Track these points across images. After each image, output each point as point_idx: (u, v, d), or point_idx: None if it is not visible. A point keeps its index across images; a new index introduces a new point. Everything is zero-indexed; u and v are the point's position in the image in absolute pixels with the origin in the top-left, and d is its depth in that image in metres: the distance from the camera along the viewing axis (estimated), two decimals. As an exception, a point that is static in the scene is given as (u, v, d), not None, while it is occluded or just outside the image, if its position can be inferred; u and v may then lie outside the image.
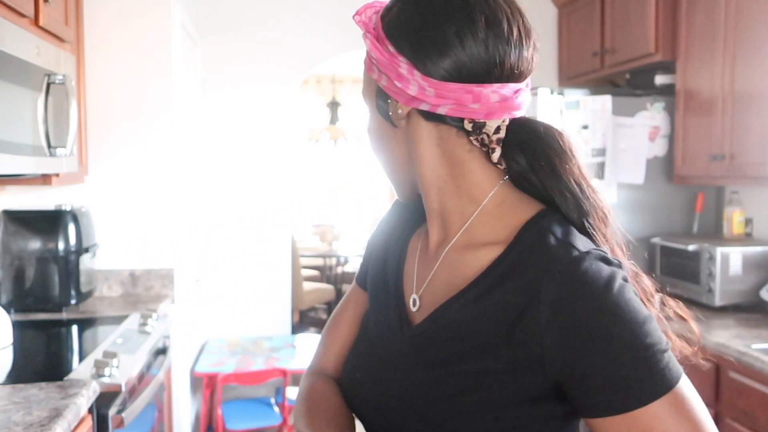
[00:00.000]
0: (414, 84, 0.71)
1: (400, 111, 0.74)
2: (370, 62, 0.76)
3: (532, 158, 0.74)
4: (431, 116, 0.73)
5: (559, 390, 0.67)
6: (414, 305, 0.77)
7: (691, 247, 2.57)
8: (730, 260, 2.44)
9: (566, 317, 0.63)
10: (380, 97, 0.76)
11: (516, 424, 0.68)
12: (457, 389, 0.69)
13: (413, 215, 0.87)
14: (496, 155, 0.74)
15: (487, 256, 0.71)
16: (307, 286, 5.11)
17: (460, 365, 0.69)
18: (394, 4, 0.75)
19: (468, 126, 0.72)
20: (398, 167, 0.79)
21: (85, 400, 1.49)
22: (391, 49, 0.73)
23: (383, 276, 0.84)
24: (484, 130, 0.72)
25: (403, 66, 0.72)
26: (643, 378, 0.62)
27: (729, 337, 2.09)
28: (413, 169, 0.77)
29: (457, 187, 0.75)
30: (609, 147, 2.84)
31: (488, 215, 0.74)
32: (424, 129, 0.74)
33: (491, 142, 0.73)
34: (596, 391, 0.63)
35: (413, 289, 0.79)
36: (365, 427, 0.78)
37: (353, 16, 0.78)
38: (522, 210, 0.73)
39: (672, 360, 0.65)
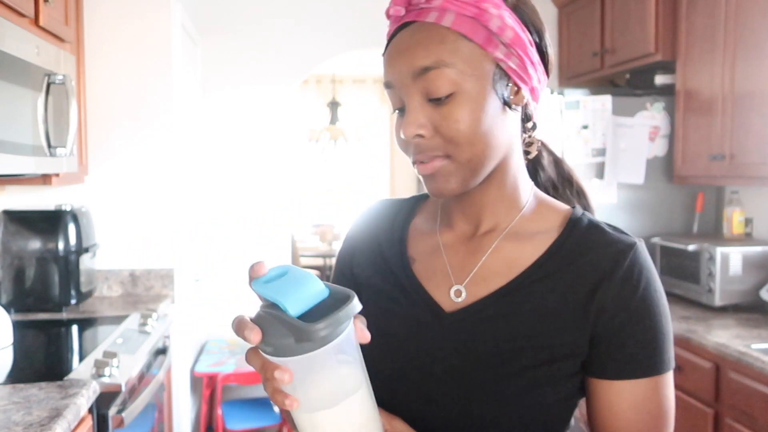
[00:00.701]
0: (537, 75, 0.75)
1: (525, 97, 0.75)
2: (489, 37, 0.71)
3: (557, 164, 0.88)
4: (522, 107, 0.77)
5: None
6: (458, 296, 0.77)
7: (691, 247, 2.57)
8: (730, 260, 2.44)
9: (631, 290, 0.72)
10: (499, 76, 0.73)
11: (566, 395, 0.75)
12: (527, 363, 0.72)
13: (396, 218, 0.87)
14: (533, 154, 0.84)
15: (542, 242, 0.77)
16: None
17: (532, 340, 0.73)
18: None
19: (530, 124, 0.79)
20: (493, 153, 0.74)
21: (85, 400, 1.49)
22: (531, 36, 0.74)
23: (392, 280, 0.83)
24: (535, 131, 0.81)
25: (535, 56, 0.75)
26: (662, 351, 0.74)
27: (729, 337, 2.09)
28: (498, 156, 0.75)
29: (522, 178, 0.80)
30: (609, 147, 2.84)
31: (533, 207, 0.80)
32: (516, 118, 0.77)
33: (532, 143, 0.83)
34: (629, 356, 0.72)
35: (451, 281, 0.79)
36: (412, 423, 0.76)
37: None
38: (557, 205, 0.82)
39: None
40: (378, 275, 0.85)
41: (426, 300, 0.79)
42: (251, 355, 0.64)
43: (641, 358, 0.72)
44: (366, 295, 0.84)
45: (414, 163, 0.76)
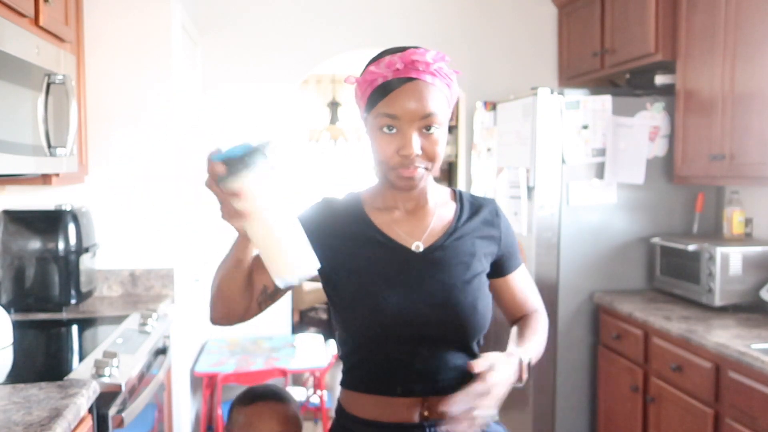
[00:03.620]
0: None
1: None
2: (450, 96, 1.14)
3: None
4: None
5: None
6: (418, 249, 1.18)
7: (691, 247, 2.57)
8: (730, 260, 2.44)
9: (504, 226, 1.27)
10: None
11: (488, 290, 1.22)
12: (476, 272, 1.19)
13: (351, 206, 1.23)
14: None
15: (451, 208, 1.24)
16: (307, 286, 5.11)
17: (475, 259, 1.20)
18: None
19: None
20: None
21: (85, 400, 1.49)
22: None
23: (367, 239, 1.19)
24: None
25: None
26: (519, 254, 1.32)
27: (729, 337, 2.09)
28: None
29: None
30: (609, 147, 2.84)
31: (436, 189, 1.25)
32: None
33: None
34: (514, 258, 1.28)
35: (412, 239, 1.19)
36: (410, 329, 1.13)
37: (444, 60, 1.11)
38: (441, 185, 1.27)
39: None
40: (349, 240, 1.19)
41: (400, 246, 1.18)
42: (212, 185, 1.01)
43: (518, 255, 1.30)
44: (343, 253, 1.18)
45: (396, 168, 1.11)
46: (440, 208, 1.23)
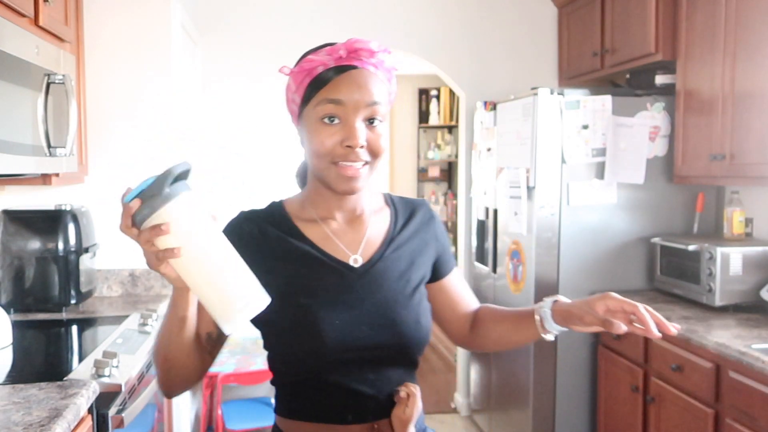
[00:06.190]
0: None
1: None
2: (389, 89, 1.09)
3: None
4: None
5: None
6: (356, 263, 1.10)
7: (692, 247, 2.56)
8: (731, 260, 2.44)
9: (439, 227, 1.23)
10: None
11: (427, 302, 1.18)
12: (415, 283, 1.14)
13: (276, 220, 1.12)
14: None
15: (386, 214, 1.18)
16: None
17: (414, 268, 1.15)
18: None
19: None
20: None
21: (84, 400, 1.49)
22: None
23: (302, 257, 1.09)
24: None
25: None
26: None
27: (729, 337, 2.09)
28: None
29: None
30: (609, 147, 2.84)
31: (370, 193, 1.18)
32: None
33: None
34: (449, 260, 1.24)
35: (348, 254, 1.11)
36: (356, 349, 1.04)
37: (387, 52, 1.06)
38: (372, 191, 1.19)
39: None
40: (281, 258, 1.08)
41: (338, 262, 1.10)
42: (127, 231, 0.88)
43: (452, 257, 1.25)
44: (277, 275, 1.06)
45: (335, 164, 1.03)
46: (375, 216, 1.16)
